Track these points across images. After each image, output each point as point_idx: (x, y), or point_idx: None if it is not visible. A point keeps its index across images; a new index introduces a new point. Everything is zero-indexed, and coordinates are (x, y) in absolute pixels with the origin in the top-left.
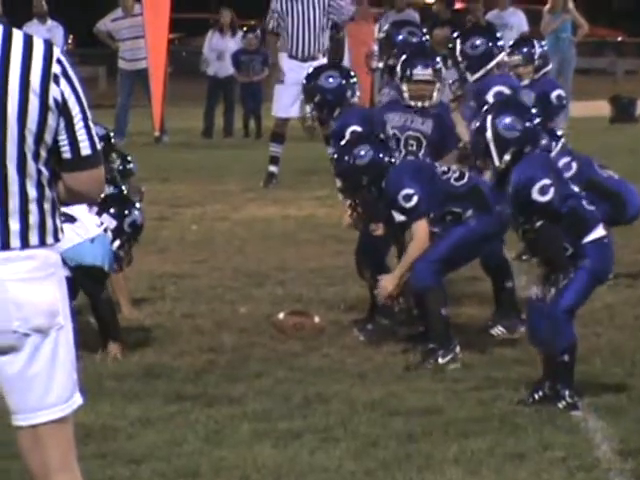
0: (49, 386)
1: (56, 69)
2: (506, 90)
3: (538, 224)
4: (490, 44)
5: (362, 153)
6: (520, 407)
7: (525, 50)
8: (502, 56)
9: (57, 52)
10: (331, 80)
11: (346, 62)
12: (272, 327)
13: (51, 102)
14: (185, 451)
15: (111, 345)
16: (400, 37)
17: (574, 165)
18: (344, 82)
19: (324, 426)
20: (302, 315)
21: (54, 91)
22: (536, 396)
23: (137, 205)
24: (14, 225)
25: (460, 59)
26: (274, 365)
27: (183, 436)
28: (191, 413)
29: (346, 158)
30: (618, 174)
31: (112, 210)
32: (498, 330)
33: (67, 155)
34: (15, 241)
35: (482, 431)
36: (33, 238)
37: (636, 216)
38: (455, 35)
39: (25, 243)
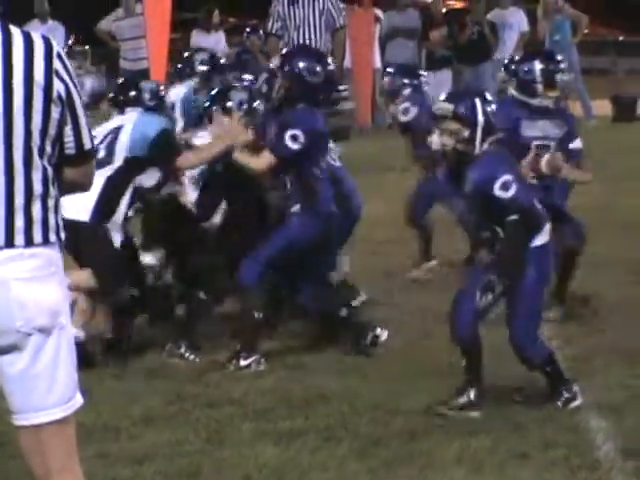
0: (51, 386)
1: (57, 64)
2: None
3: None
4: None
5: None
6: (522, 406)
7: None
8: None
9: (56, 47)
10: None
11: (347, 63)
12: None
13: (55, 95)
14: (187, 451)
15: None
16: None
17: None
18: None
19: (325, 425)
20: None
21: (57, 85)
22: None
23: None
24: (18, 222)
25: None
26: (274, 364)
27: (184, 436)
28: (192, 413)
29: None
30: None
31: None
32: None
33: (71, 151)
34: (19, 238)
35: (484, 430)
36: (37, 235)
37: None
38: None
39: (29, 241)
